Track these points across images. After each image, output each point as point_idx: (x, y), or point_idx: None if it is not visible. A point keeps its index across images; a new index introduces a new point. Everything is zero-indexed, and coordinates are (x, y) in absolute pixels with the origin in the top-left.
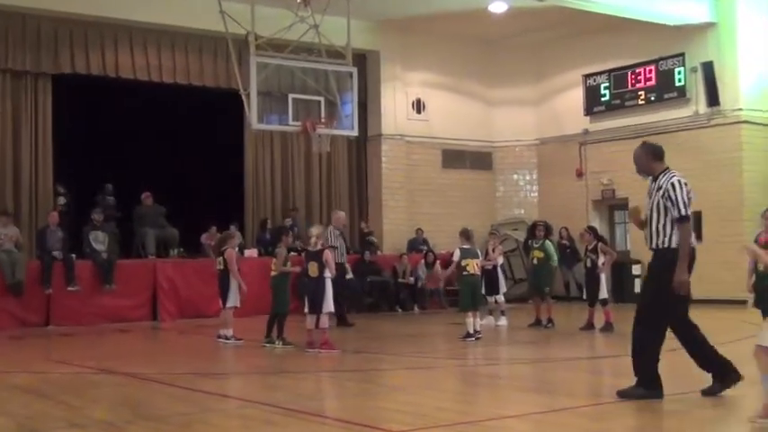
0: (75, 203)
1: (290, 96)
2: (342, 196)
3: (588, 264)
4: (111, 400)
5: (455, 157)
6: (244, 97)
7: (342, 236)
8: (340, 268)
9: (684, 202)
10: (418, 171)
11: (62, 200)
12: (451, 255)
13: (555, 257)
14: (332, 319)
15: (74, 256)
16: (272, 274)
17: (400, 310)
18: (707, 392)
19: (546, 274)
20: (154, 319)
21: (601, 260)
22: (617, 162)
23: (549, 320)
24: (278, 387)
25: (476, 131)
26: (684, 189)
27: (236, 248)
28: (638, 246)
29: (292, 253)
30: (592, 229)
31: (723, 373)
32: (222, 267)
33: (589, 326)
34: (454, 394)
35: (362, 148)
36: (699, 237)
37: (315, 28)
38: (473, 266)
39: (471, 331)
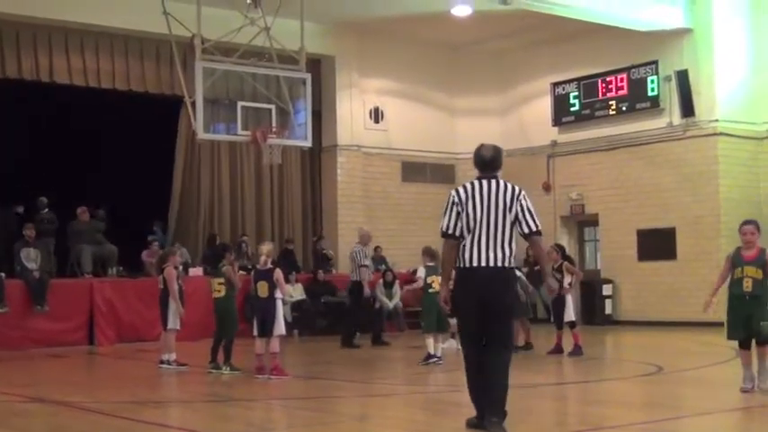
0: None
1: (239, 104)
2: (294, 211)
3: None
4: (43, 431)
5: (415, 170)
6: (189, 105)
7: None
8: (359, 287)
9: (446, 215)
10: (376, 184)
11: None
12: (413, 273)
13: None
14: (284, 342)
15: (2, 274)
16: (218, 296)
17: (357, 332)
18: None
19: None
20: (90, 343)
21: (566, 280)
22: (587, 176)
23: (527, 344)
24: (227, 416)
25: (437, 142)
26: (448, 201)
27: (180, 266)
28: (608, 264)
29: (241, 272)
30: (559, 247)
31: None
32: (163, 287)
33: (557, 350)
34: (417, 424)
35: (317, 159)
36: (673, 254)
37: (266, 31)
38: (439, 284)
39: (432, 352)
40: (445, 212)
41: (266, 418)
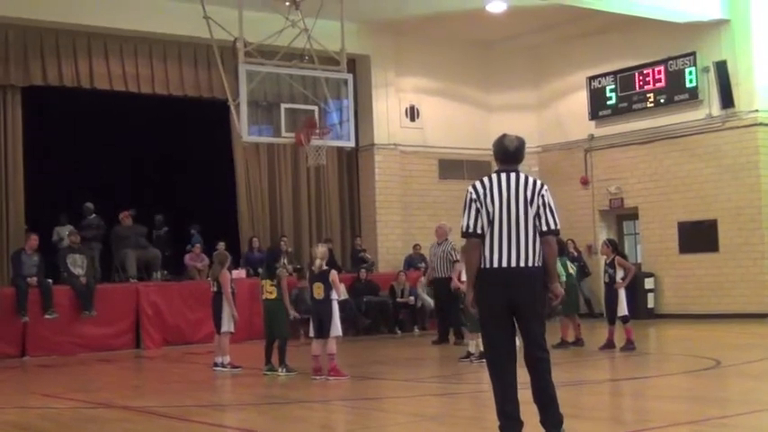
0: (51, 223)
1: (283, 106)
2: (332, 210)
3: (606, 279)
4: None
5: (452, 167)
6: (233, 108)
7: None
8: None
9: (466, 213)
10: (413, 182)
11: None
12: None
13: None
14: (339, 342)
15: (50, 281)
16: (270, 297)
17: (399, 331)
18: None
19: (572, 291)
20: (137, 346)
21: (619, 275)
22: (625, 169)
23: (578, 339)
24: (296, 418)
25: (473, 139)
26: (466, 198)
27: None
28: (649, 258)
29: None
30: (611, 242)
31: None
32: (216, 290)
33: (609, 345)
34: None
35: (353, 158)
36: (715, 246)
37: (305, 32)
38: None
39: (473, 351)
40: (464, 210)
41: (338, 420)
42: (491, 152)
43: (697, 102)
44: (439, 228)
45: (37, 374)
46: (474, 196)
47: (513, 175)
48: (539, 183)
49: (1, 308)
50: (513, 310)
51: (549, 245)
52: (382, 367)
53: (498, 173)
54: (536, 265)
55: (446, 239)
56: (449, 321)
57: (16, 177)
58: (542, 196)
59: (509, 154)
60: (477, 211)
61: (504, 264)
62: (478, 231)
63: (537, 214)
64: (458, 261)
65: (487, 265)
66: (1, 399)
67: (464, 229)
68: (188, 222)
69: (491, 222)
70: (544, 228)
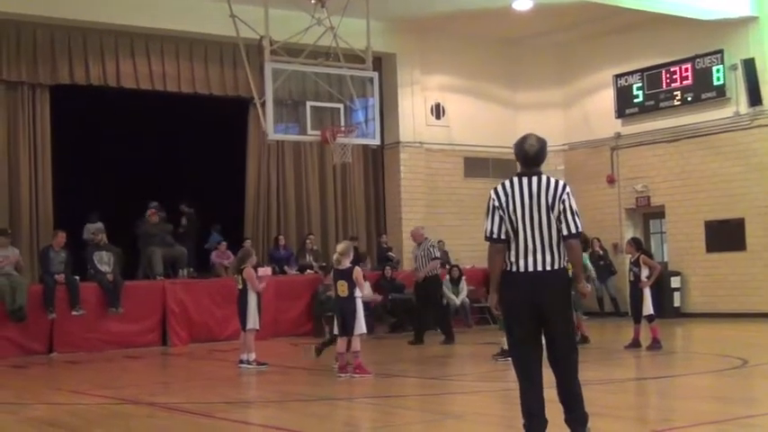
0: (81, 220)
1: (308, 104)
2: (358, 208)
3: (631, 277)
4: None
5: (477, 165)
6: (259, 106)
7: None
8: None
9: (489, 219)
10: (439, 180)
11: (184, 220)
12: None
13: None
14: (363, 339)
15: (77, 278)
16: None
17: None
18: None
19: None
20: (163, 344)
21: (644, 273)
22: (652, 167)
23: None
24: (322, 415)
25: (499, 137)
26: (488, 204)
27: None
28: (676, 257)
29: (309, 271)
30: (635, 241)
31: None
32: (242, 287)
33: (635, 344)
34: (513, 421)
35: (379, 156)
36: (742, 245)
37: (331, 30)
38: None
39: (506, 348)
40: (487, 216)
41: (363, 417)
42: None
43: (724, 100)
44: (414, 232)
45: (64, 371)
46: (497, 204)
47: (534, 179)
48: (560, 185)
49: (30, 304)
50: (538, 312)
51: (572, 249)
52: (407, 365)
53: (520, 177)
54: (561, 267)
55: (425, 238)
56: (425, 321)
57: (45, 175)
58: (563, 201)
59: (529, 158)
60: (501, 218)
61: (530, 268)
62: (502, 237)
63: (558, 218)
64: (437, 258)
65: (513, 269)
66: (29, 395)
67: (488, 234)
68: (212, 220)
69: (515, 229)
70: (565, 232)
